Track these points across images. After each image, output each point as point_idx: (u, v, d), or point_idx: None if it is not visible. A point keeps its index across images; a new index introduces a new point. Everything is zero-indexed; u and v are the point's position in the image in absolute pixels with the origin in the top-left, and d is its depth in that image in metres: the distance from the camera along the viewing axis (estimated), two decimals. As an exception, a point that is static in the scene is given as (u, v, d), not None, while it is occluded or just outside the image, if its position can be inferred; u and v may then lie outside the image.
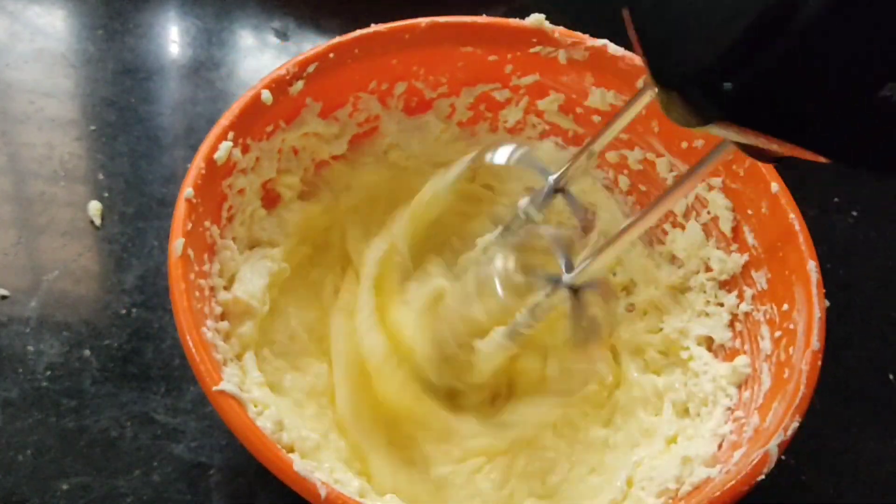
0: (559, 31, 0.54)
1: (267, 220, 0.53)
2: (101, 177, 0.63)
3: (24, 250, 0.60)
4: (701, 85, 0.26)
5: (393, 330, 0.52)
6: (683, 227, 0.58)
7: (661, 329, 0.58)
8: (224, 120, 0.48)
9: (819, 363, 0.48)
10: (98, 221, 0.61)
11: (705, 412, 0.53)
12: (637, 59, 0.55)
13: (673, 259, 0.59)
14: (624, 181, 0.60)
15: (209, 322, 0.45)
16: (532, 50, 0.55)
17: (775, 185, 0.52)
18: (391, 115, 0.57)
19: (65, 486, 0.50)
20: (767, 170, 0.52)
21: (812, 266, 0.50)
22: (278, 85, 0.50)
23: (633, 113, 0.44)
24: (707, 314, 0.56)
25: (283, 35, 0.75)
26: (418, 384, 0.50)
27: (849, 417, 0.59)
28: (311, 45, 0.55)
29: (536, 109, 0.58)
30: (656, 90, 0.30)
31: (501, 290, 0.47)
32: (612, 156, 0.59)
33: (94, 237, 0.61)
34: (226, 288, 0.49)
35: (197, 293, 0.45)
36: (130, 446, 0.52)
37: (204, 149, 0.47)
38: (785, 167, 0.40)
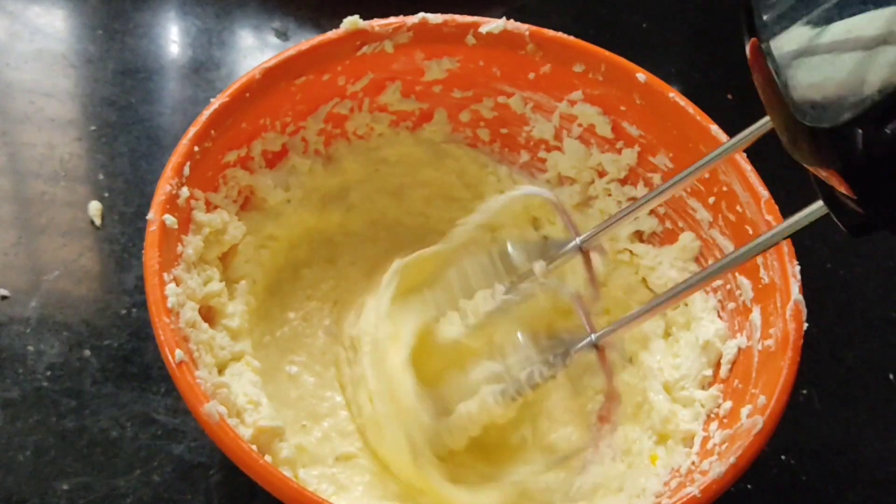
0: (377, 24, 0.54)
1: (221, 338, 0.50)
2: (101, 177, 0.63)
3: (24, 250, 0.59)
4: (833, 132, 0.29)
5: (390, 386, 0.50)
6: (560, 149, 0.58)
7: None
8: (153, 262, 0.44)
9: (776, 209, 0.48)
10: (98, 221, 0.61)
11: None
12: (460, 18, 0.54)
13: (562, 180, 0.59)
14: (484, 133, 0.60)
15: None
16: (360, 52, 0.54)
17: (641, 76, 0.53)
18: (259, 175, 0.54)
19: (65, 486, 0.50)
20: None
21: (715, 129, 0.50)
22: (171, 203, 0.46)
23: (683, 185, 0.45)
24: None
25: (283, 35, 0.75)
26: (410, 449, 0.48)
27: (849, 417, 0.59)
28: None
29: (380, 105, 0.58)
30: (783, 133, 0.32)
31: (526, 348, 0.47)
32: (464, 115, 0.59)
33: (94, 237, 0.61)
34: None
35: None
36: (130, 446, 0.52)
37: (159, 306, 0.44)
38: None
